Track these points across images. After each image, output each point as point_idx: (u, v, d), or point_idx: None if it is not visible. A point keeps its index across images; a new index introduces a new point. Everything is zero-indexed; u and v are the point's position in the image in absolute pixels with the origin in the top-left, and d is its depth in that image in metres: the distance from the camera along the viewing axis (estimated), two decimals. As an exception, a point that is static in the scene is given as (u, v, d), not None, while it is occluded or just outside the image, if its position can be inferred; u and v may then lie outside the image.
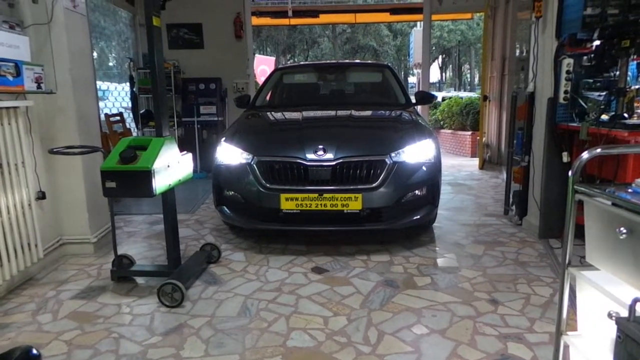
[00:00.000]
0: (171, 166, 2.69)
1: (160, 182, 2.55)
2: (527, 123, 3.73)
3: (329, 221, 3.28)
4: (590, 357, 1.10)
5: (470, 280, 2.84)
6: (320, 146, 3.23)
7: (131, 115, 6.91)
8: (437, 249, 3.42)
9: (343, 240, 3.57)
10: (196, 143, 6.59)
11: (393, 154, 3.26)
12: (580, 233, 1.39)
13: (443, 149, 10.50)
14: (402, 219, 3.29)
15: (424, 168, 3.35)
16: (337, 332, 2.27)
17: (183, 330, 2.31)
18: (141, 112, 6.75)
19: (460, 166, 7.25)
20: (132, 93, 6.69)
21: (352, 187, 3.17)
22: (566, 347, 1.27)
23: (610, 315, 0.99)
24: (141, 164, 2.48)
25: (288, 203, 3.18)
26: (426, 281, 2.84)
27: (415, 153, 3.34)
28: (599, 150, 1.19)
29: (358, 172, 3.19)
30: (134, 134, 7.16)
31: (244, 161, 3.35)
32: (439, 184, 3.50)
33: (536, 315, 2.38)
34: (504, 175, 6.18)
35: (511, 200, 4.14)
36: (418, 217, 3.34)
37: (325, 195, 3.15)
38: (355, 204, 3.14)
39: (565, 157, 3.35)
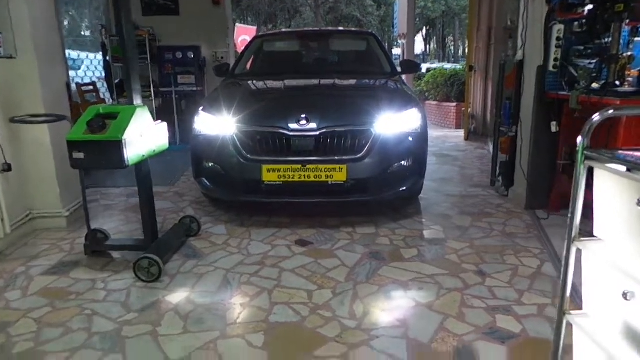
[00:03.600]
0: (144, 136, 2.53)
1: (133, 153, 2.39)
2: (516, 92, 3.64)
3: (312, 193, 3.17)
4: (597, 338, 1.03)
5: (457, 252, 2.79)
6: (303, 116, 3.09)
7: (106, 85, 6.63)
8: (423, 220, 3.36)
9: (328, 212, 3.48)
10: (174, 114, 6.36)
11: (378, 124, 3.14)
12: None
13: (428, 121, 10.44)
14: (388, 191, 3.20)
15: (410, 138, 3.25)
16: (321, 306, 2.19)
17: (160, 306, 2.21)
18: (116, 81, 6.46)
19: (445, 137, 7.18)
20: (105, 62, 6.39)
21: (336, 157, 3.06)
22: (569, 327, 1.19)
23: (625, 295, 0.91)
24: (111, 134, 2.32)
25: (270, 174, 3.05)
26: (412, 253, 2.77)
27: (401, 122, 3.23)
28: (610, 111, 1.09)
29: (342, 142, 3.07)
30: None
31: (223, 131, 3.20)
32: (426, 154, 3.41)
33: (524, 287, 2.34)
34: (490, 147, 6.14)
35: (498, 171, 4.09)
36: (404, 188, 3.26)
37: (308, 166, 3.03)
38: (339, 175, 3.04)
39: (554, 127, 3.28)
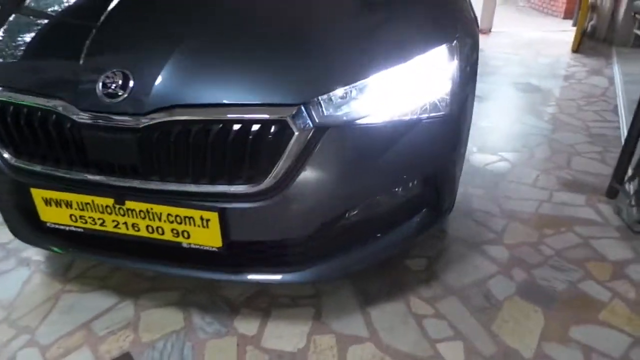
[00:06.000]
0: None
1: None
2: None
3: (153, 255, 1.37)
4: None
5: None
6: (112, 71, 1.15)
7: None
8: (439, 335, 1.47)
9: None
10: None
11: (320, 101, 1.13)
12: None
13: (525, 3, 7.41)
14: (342, 259, 1.32)
15: (423, 132, 1.23)
16: None
17: None
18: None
19: (542, 43, 4.60)
20: None
21: (194, 189, 1.17)
22: None
23: None
24: None
25: (51, 211, 1.28)
26: None
27: (395, 92, 1.19)
28: None
29: (211, 147, 1.13)
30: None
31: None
32: (456, 164, 1.41)
33: None
34: (616, 69, 3.66)
35: (630, 171, 1.93)
36: (388, 245, 1.36)
37: (129, 204, 1.20)
38: (204, 234, 1.18)
39: None
